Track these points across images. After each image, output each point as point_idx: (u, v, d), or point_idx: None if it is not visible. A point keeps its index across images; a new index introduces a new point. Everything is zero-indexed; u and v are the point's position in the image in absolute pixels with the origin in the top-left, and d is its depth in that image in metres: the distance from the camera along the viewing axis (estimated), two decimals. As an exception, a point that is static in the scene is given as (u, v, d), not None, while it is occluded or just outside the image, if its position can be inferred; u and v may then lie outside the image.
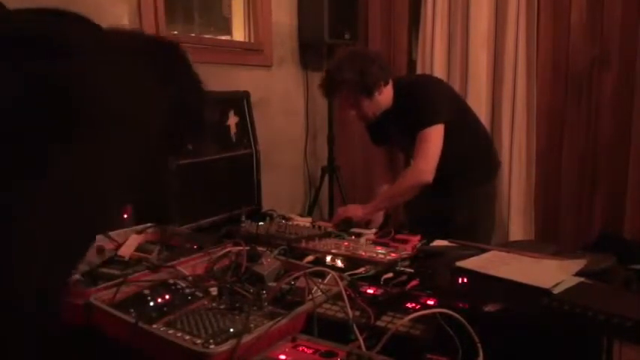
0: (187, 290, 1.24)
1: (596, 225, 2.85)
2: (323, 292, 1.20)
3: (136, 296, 1.18)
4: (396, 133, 2.16)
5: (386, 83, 2.04)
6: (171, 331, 1.04)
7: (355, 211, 2.02)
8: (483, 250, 1.60)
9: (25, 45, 0.67)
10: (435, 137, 1.96)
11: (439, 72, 3.07)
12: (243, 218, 1.98)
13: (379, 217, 2.18)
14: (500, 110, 2.97)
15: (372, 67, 1.99)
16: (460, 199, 2.14)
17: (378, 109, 2.06)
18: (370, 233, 1.79)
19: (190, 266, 1.41)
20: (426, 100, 2.02)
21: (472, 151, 2.18)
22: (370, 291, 1.27)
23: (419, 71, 3.18)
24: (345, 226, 1.88)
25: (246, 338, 0.98)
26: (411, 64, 3.35)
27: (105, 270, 1.38)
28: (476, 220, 2.12)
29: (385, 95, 2.05)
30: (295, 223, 1.97)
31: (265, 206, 2.53)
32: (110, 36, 0.84)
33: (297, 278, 1.23)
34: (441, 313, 1.04)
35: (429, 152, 1.95)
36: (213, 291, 1.25)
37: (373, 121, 2.13)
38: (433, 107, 2.00)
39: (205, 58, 2.61)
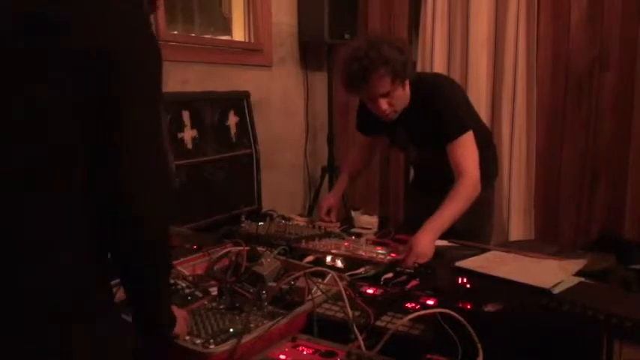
0: (187, 290, 1.24)
1: (596, 225, 2.85)
2: (323, 292, 1.20)
3: (136, 296, 1.17)
4: (403, 132, 2.07)
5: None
6: (171, 331, 1.04)
7: (425, 249, 1.59)
8: (483, 250, 1.60)
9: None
10: (471, 143, 1.83)
11: (439, 72, 3.06)
12: (243, 218, 1.98)
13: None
14: (500, 110, 2.97)
15: (405, 47, 1.79)
16: None
17: (405, 102, 1.86)
18: (370, 233, 1.79)
19: (190, 266, 1.41)
20: (451, 106, 1.87)
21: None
22: (370, 291, 1.27)
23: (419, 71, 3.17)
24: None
25: (246, 338, 0.99)
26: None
27: (105, 270, 1.38)
28: (474, 227, 2.08)
29: (407, 89, 1.85)
30: (295, 223, 1.97)
31: (265, 206, 2.53)
32: None
33: (297, 278, 1.23)
34: (441, 313, 1.04)
35: (476, 158, 1.82)
36: (213, 291, 1.26)
37: (393, 118, 1.86)
38: (461, 114, 1.87)
39: (205, 58, 2.61)
